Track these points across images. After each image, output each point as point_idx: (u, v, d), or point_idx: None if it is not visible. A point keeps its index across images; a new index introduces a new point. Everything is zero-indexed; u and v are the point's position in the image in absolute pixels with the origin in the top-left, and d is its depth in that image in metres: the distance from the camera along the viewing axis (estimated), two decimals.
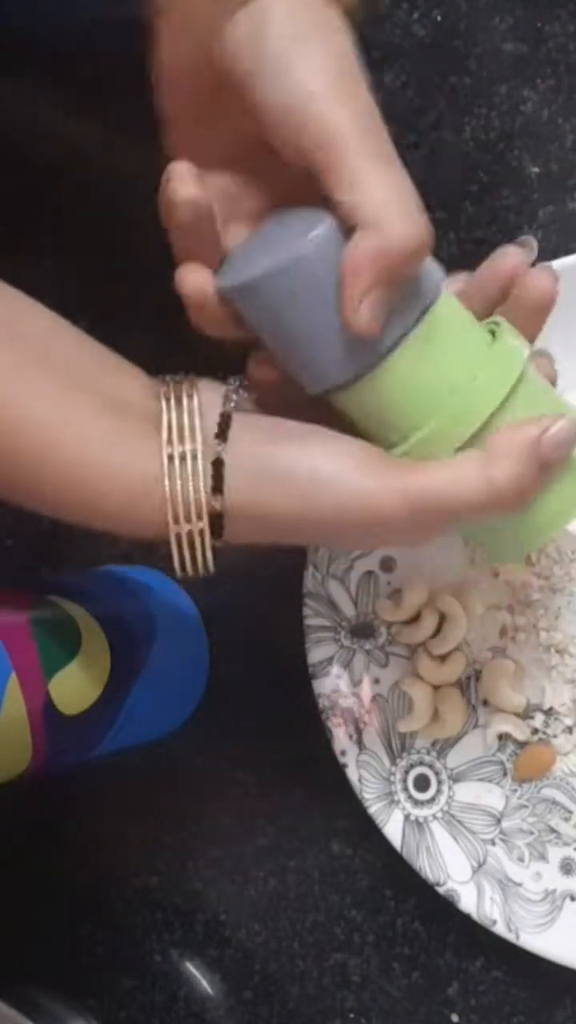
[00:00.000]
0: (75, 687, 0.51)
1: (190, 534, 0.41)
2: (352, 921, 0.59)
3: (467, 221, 0.59)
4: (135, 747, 0.58)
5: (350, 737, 0.56)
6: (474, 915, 0.54)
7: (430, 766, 0.56)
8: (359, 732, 0.56)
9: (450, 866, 0.55)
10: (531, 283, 0.44)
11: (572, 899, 0.55)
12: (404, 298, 0.41)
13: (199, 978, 0.61)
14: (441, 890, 0.55)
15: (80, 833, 0.62)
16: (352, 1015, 0.59)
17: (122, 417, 0.41)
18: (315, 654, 0.57)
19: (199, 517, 0.41)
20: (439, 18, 0.60)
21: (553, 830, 0.55)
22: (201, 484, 0.40)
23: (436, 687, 0.56)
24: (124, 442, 0.40)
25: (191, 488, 0.40)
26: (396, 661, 0.57)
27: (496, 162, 0.58)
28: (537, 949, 0.54)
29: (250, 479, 0.40)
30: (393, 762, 0.56)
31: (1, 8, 0.58)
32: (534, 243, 0.44)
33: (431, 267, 0.42)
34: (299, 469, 0.40)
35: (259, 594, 0.60)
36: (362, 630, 0.57)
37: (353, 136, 0.39)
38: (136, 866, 0.62)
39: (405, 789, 0.56)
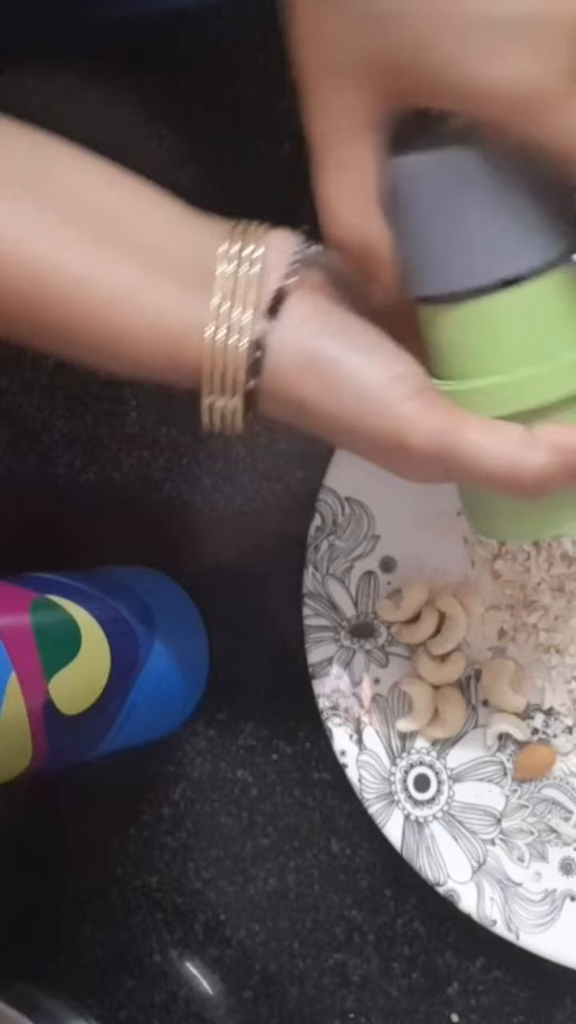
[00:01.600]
0: (75, 687, 0.51)
1: (222, 407, 0.40)
2: (352, 921, 0.59)
3: None
4: (135, 747, 0.58)
5: (350, 737, 0.56)
6: (474, 915, 0.54)
7: (430, 766, 0.56)
8: (359, 732, 0.56)
9: (450, 866, 0.55)
10: None
11: (572, 899, 0.55)
12: (531, 244, 0.39)
13: (199, 978, 0.61)
14: (441, 890, 0.55)
15: (80, 833, 0.62)
16: (352, 1015, 0.59)
17: (163, 267, 0.40)
18: (315, 654, 0.57)
19: (233, 393, 0.40)
20: None
21: (553, 830, 0.55)
22: (241, 362, 0.39)
23: (436, 687, 0.56)
24: (161, 292, 0.39)
25: (230, 364, 0.39)
26: (396, 661, 0.57)
27: None
28: (537, 949, 0.54)
29: (292, 364, 0.39)
30: (393, 762, 0.56)
31: (10, 8, 0.58)
32: None
33: (555, 230, 0.40)
34: (344, 369, 0.39)
35: (259, 594, 0.60)
36: (362, 630, 0.57)
37: None
38: (136, 866, 0.62)
39: (405, 789, 0.56)
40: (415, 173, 0.40)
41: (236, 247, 0.40)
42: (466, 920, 0.55)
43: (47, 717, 0.50)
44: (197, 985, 0.61)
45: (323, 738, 0.57)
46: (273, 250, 0.40)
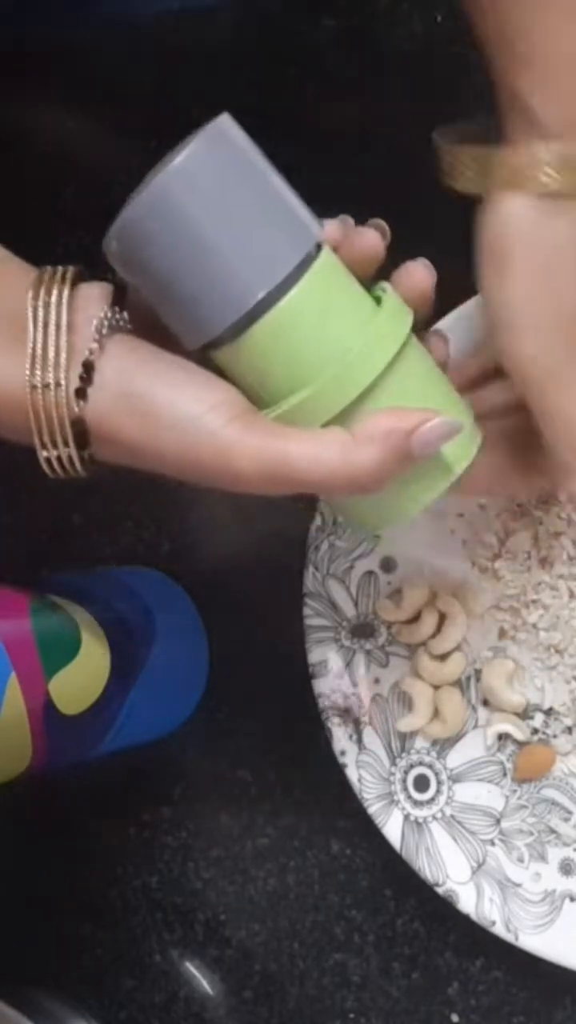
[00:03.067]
0: (75, 687, 0.51)
1: (59, 458, 0.41)
2: (352, 921, 0.59)
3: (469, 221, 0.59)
4: (135, 747, 0.58)
5: (350, 737, 0.56)
6: (473, 916, 0.54)
7: (430, 766, 0.56)
8: (359, 732, 0.56)
9: (449, 866, 0.55)
10: (407, 277, 0.43)
11: (571, 900, 0.55)
12: (277, 252, 0.39)
13: (199, 978, 0.61)
14: (440, 890, 0.55)
15: (80, 833, 0.62)
16: (352, 1015, 0.59)
17: None
18: (315, 654, 0.57)
19: (65, 444, 0.40)
20: (439, 19, 0.60)
21: (553, 831, 0.55)
22: (64, 415, 0.40)
23: (436, 687, 0.56)
24: None
25: (54, 419, 0.40)
26: (396, 661, 0.57)
27: None
28: (536, 950, 0.54)
29: (111, 406, 0.40)
30: (393, 762, 0.56)
31: (10, 9, 0.58)
32: (385, 226, 0.43)
33: (306, 220, 0.40)
34: (160, 404, 0.39)
35: (259, 594, 0.60)
36: (362, 630, 0.57)
37: None
38: (136, 866, 0.62)
39: (405, 789, 0.56)
40: (139, 230, 0.39)
41: (42, 300, 0.40)
42: (466, 920, 0.55)
43: (47, 717, 0.50)
44: (197, 985, 0.61)
45: (323, 738, 0.57)
46: (81, 299, 0.40)
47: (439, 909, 0.55)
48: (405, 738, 0.57)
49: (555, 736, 0.56)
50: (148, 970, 0.61)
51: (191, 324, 0.40)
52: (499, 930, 0.54)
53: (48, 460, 0.41)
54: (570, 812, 0.56)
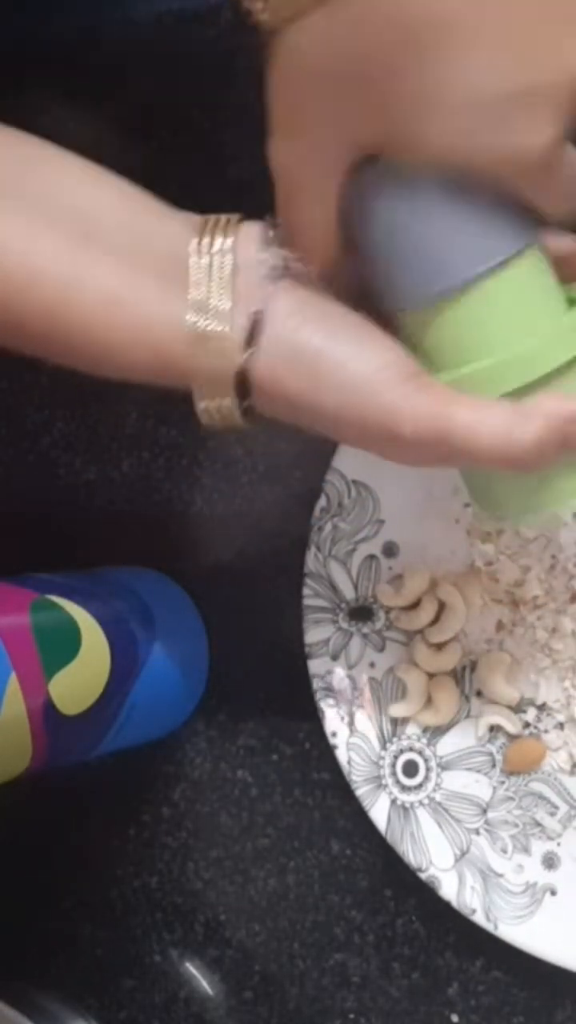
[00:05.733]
0: (75, 687, 0.51)
1: (216, 408, 0.40)
2: (352, 921, 0.59)
3: None
4: (135, 747, 0.58)
5: (342, 719, 0.56)
6: (454, 903, 0.55)
7: (420, 752, 0.57)
8: (351, 714, 0.57)
9: (433, 853, 0.55)
10: None
11: (552, 893, 0.55)
12: (493, 237, 0.40)
13: (199, 978, 0.61)
14: (423, 876, 0.55)
15: (80, 833, 0.62)
16: (352, 1015, 0.59)
17: (144, 268, 0.39)
18: (312, 634, 0.57)
19: (224, 395, 0.39)
20: None
21: (538, 824, 0.56)
22: (227, 364, 0.39)
23: (431, 675, 0.57)
24: (145, 296, 0.39)
25: (216, 367, 0.39)
26: (393, 646, 0.57)
27: None
28: (515, 940, 0.54)
29: (278, 360, 0.39)
30: (383, 746, 0.56)
31: (9, 9, 0.58)
32: None
33: (523, 216, 0.41)
34: (330, 360, 0.39)
35: (259, 594, 0.60)
36: (360, 613, 0.57)
37: None
38: (136, 866, 0.62)
39: (393, 774, 0.56)
40: (381, 189, 0.41)
41: (207, 242, 0.39)
42: (466, 921, 0.55)
43: (47, 717, 0.50)
44: (197, 985, 0.61)
45: (323, 739, 0.57)
46: (247, 243, 0.40)
47: (439, 909, 0.55)
48: (397, 723, 0.57)
49: (546, 731, 0.56)
50: (148, 970, 0.61)
51: (411, 280, 0.41)
52: (479, 919, 0.54)
53: (207, 411, 0.40)
54: (556, 807, 0.56)
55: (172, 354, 0.39)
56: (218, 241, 0.39)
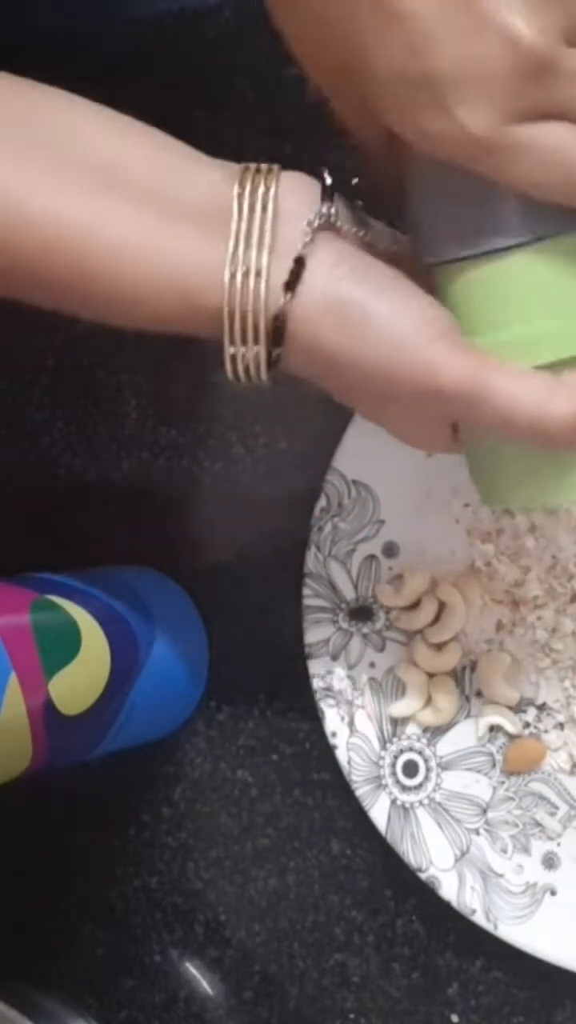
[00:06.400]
0: (75, 687, 0.51)
1: (244, 356, 0.39)
2: (352, 921, 0.59)
3: None
4: (135, 747, 0.58)
5: (342, 719, 0.56)
6: (454, 903, 0.55)
7: (419, 752, 0.57)
8: (351, 714, 0.57)
9: (433, 853, 0.55)
10: None
11: (552, 893, 0.55)
12: (547, 209, 0.40)
13: (199, 978, 0.61)
14: (423, 876, 0.55)
15: (80, 833, 0.62)
16: (352, 1015, 0.59)
17: (176, 214, 0.39)
18: (312, 634, 0.57)
19: (256, 341, 0.39)
20: None
21: (538, 824, 0.56)
22: (262, 308, 0.38)
23: (431, 675, 0.57)
24: (175, 242, 0.38)
25: (251, 310, 0.38)
26: (392, 647, 0.57)
27: None
28: (515, 941, 0.54)
29: (317, 309, 0.39)
30: (383, 746, 0.56)
31: (9, 9, 0.58)
32: None
33: None
34: (372, 313, 0.39)
35: (259, 594, 0.60)
36: (360, 613, 0.57)
37: None
38: (136, 866, 0.62)
39: (393, 774, 0.56)
40: None
41: (248, 188, 0.39)
42: (466, 921, 0.55)
43: (47, 717, 0.50)
44: (197, 985, 0.61)
45: (323, 738, 0.57)
46: (288, 192, 0.40)
47: (439, 909, 0.55)
48: (397, 723, 0.57)
49: (546, 731, 0.56)
50: (148, 970, 0.61)
51: (463, 233, 0.40)
52: (479, 919, 0.54)
53: (233, 359, 0.39)
54: (556, 807, 0.56)
55: (205, 297, 0.39)
56: (260, 189, 0.39)
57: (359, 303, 0.39)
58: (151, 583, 0.60)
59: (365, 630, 0.57)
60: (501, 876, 0.55)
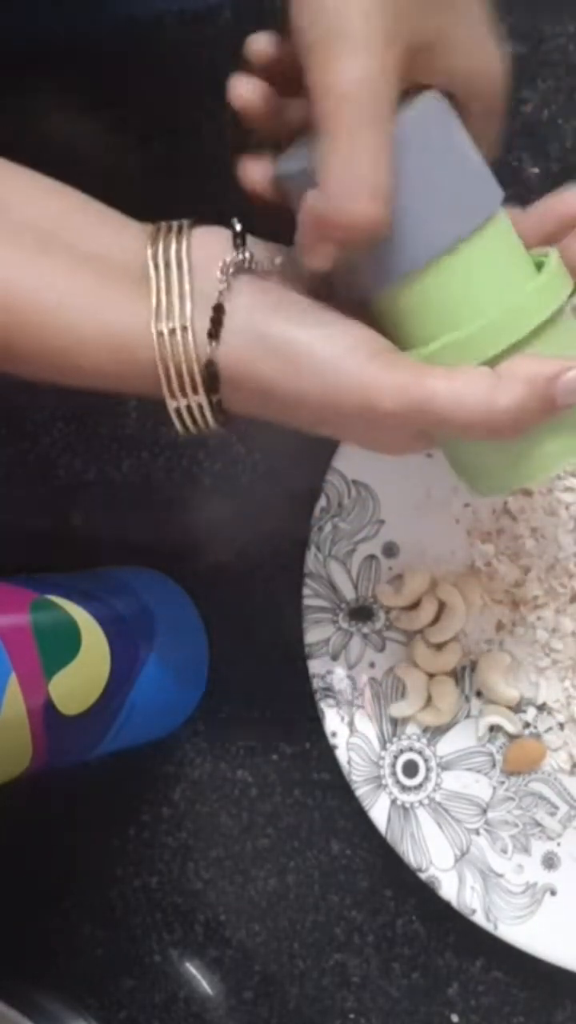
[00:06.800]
0: (75, 687, 0.51)
1: (188, 408, 0.40)
2: (352, 921, 0.59)
3: None
4: (135, 747, 0.58)
5: (342, 719, 0.56)
6: (454, 903, 0.55)
7: (419, 752, 0.57)
8: (351, 714, 0.57)
9: (433, 853, 0.55)
10: (571, 245, 0.43)
11: (552, 893, 0.55)
12: (453, 212, 0.40)
13: (199, 978, 0.61)
14: (423, 876, 0.55)
15: (80, 833, 0.62)
16: (352, 1015, 0.59)
17: (105, 274, 0.40)
18: (312, 634, 0.57)
19: (195, 391, 0.40)
20: None
21: (538, 824, 0.56)
22: (193, 356, 0.39)
23: (431, 675, 0.57)
24: (109, 301, 0.39)
25: (183, 363, 0.39)
26: (392, 647, 0.57)
27: (496, 162, 0.58)
28: (514, 940, 0.54)
29: (246, 348, 0.39)
30: (383, 746, 0.57)
31: (10, 10, 0.58)
32: None
33: (489, 184, 0.42)
34: (299, 345, 0.39)
35: (259, 594, 0.60)
36: (360, 613, 0.57)
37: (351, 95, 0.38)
38: (136, 866, 0.62)
39: (393, 774, 0.56)
40: (290, 185, 0.41)
41: (161, 247, 0.40)
42: (466, 921, 0.55)
43: (47, 717, 0.50)
44: (197, 985, 0.61)
45: (323, 738, 0.57)
46: (199, 246, 0.41)
47: (439, 909, 0.55)
48: (397, 723, 0.57)
49: (546, 731, 0.56)
50: (148, 970, 0.61)
51: (371, 265, 0.41)
52: (479, 919, 0.54)
53: (178, 411, 0.40)
54: (556, 807, 0.56)
55: (138, 356, 0.40)
56: (173, 246, 0.40)
57: (287, 338, 0.40)
58: (151, 583, 0.60)
59: (365, 630, 0.57)
60: (501, 876, 0.55)
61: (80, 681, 0.52)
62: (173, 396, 0.40)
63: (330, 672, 0.57)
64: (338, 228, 0.38)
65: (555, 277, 0.42)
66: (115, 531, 0.62)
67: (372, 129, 0.38)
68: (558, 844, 0.55)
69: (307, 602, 0.57)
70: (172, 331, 0.39)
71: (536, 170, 0.58)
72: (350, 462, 0.57)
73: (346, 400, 0.40)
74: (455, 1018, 0.58)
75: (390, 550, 0.57)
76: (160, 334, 0.39)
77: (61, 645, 0.51)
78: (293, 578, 0.57)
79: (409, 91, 0.40)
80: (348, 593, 0.57)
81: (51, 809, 0.62)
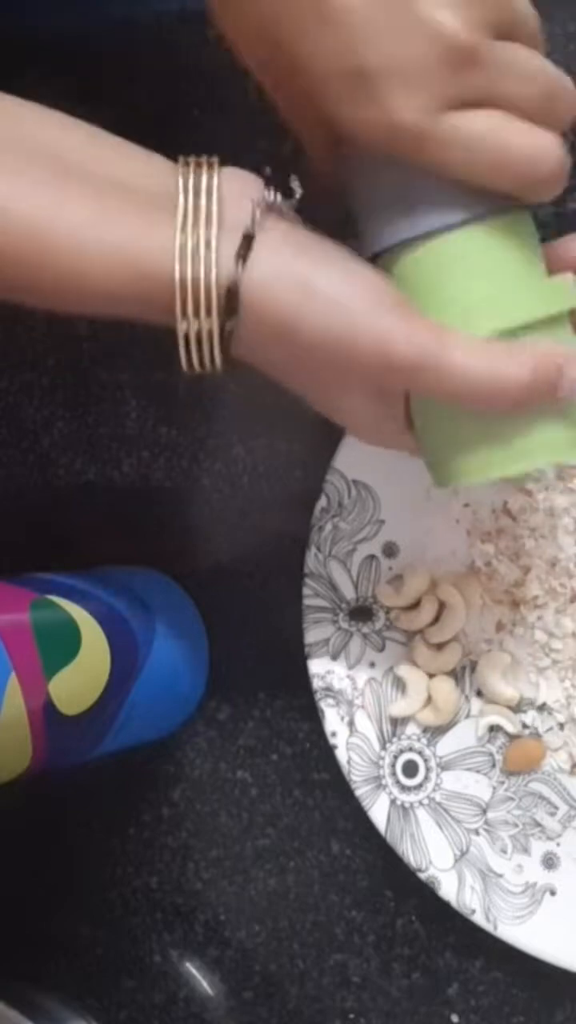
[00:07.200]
0: (75, 687, 0.51)
1: (198, 333, 0.40)
2: (352, 921, 0.59)
3: None
4: (135, 747, 0.58)
5: (342, 719, 0.56)
6: (453, 903, 0.55)
7: (419, 752, 0.57)
8: (351, 714, 0.57)
9: (433, 853, 0.55)
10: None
11: (552, 893, 0.55)
12: (476, 193, 0.41)
13: (199, 978, 0.61)
14: (423, 876, 0.55)
15: (80, 833, 0.62)
16: (352, 1015, 0.59)
17: (124, 198, 0.39)
18: (312, 634, 0.57)
19: (208, 313, 0.39)
20: None
21: (538, 824, 0.56)
22: (213, 277, 0.39)
23: (431, 675, 0.57)
24: (125, 221, 0.39)
25: (203, 280, 0.39)
26: (392, 646, 0.57)
27: None
28: (514, 940, 0.54)
29: (270, 280, 0.39)
30: (383, 746, 0.57)
31: (10, 10, 0.58)
32: None
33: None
34: (325, 283, 0.39)
35: (259, 594, 0.60)
36: (360, 613, 0.57)
37: None
38: (136, 866, 0.62)
39: (393, 774, 0.56)
40: None
41: (192, 176, 0.40)
42: (466, 921, 0.55)
43: (47, 717, 0.50)
44: (197, 985, 0.61)
45: (323, 738, 0.57)
46: (230, 180, 0.41)
47: (439, 909, 0.55)
48: (396, 723, 0.57)
49: (547, 731, 0.56)
50: (148, 970, 0.61)
51: (393, 221, 0.42)
52: (478, 919, 0.54)
53: (187, 338, 0.40)
54: (556, 807, 0.56)
55: (158, 270, 0.39)
56: (204, 175, 0.40)
57: (311, 275, 0.40)
58: (151, 583, 0.60)
59: (365, 630, 0.57)
60: (501, 876, 0.55)
61: (80, 681, 0.52)
62: (186, 316, 0.39)
63: (330, 672, 0.57)
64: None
65: (568, 284, 0.43)
66: (115, 531, 0.62)
67: None
68: (558, 844, 0.55)
69: (307, 602, 0.57)
70: (196, 246, 0.39)
71: None
72: (350, 462, 0.57)
73: (362, 343, 0.40)
74: (455, 1018, 0.58)
75: (390, 550, 0.57)
76: (183, 248, 0.39)
77: (61, 645, 0.51)
78: (293, 578, 0.57)
79: None
80: (348, 593, 0.57)
81: (51, 809, 0.62)
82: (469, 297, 0.41)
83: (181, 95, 0.61)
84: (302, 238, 0.41)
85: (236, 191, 0.40)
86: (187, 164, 0.41)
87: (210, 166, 0.40)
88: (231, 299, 0.39)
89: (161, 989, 0.61)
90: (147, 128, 0.61)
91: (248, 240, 0.39)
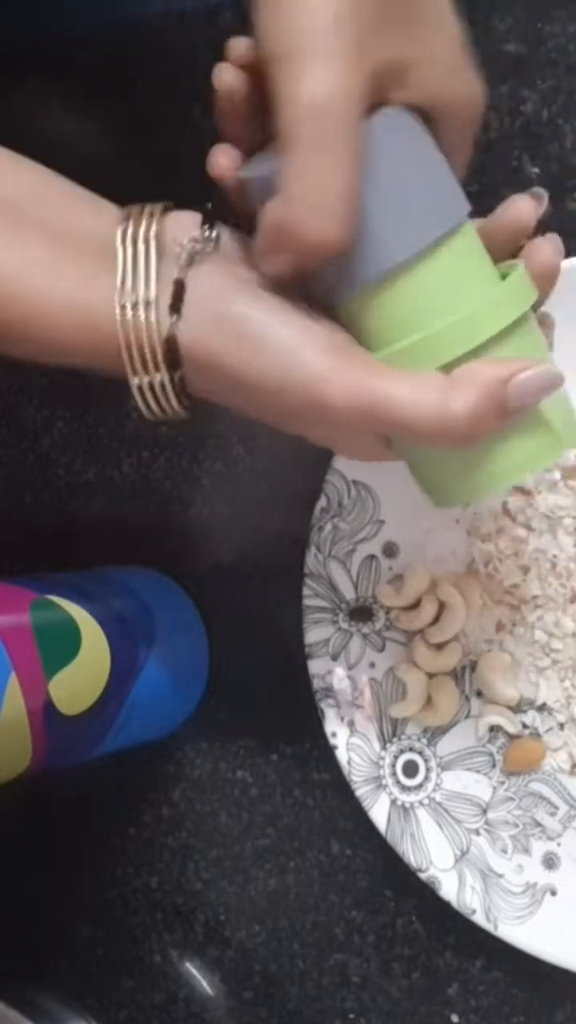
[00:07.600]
0: (75, 687, 0.51)
1: (151, 384, 0.40)
2: (352, 921, 0.59)
3: None
4: (135, 747, 0.58)
5: (342, 719, 0.56)
6: (454, 903, 0.55)
7: (420, 753, 0.57)
8: (351, 714, 0.57)
9: (433, 853, 0.55)
10: (534, 253, 0.43)
11: (552, 893, 0.55)
12: (421, 213, 0.40)
13: (199, 978, 0.61)
14: (423, 876, 0.55)
15: (80, 833, 0.62)
16: (352, 1015, 0.59)
17: (77, 247, 0.40)
18: (312, 635, 0.57)
19: (156, 367, 0.39)
20: None
21: (538, 824, 0.56)
22: (155, 334, 0.39)
23: (431, 675, 0.57)
24: (76, 271, 0.39)
25: (145, 338, 0.39)
26: (392, 647, 0.57)
27: (496, 162, 0.58)
28: (514, 940, 0.54)
29: (207, 326, 0.39)
30: (383, 747, 0.57)
31: (10, 10, 0.58)
32: (544, 194, 0.44)
33: (454, 195, 0.41)
34: (257, 326, 0.39)
35: (259, 594, 0.60)
36: (360, 613, 0.57)
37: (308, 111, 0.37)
38: (136, 866, 0.62)
39: (393, 774, 0.56)
40: (253, 188, 0.41)
41: (131, 226, 0.40)
42: (466, 921, 0.55)
43: (47, 717, 0.50)
44: (197, 985, 0.61)
45: (323, 738, 0.57)
46: (171, 228, 0.40)
47: (439, 909, 0.55)
48: (397, 724, 0.57)
49: (547, 731, 0.56)
50: (148, 970, 0.61)
51: (341, 271, 0.41)
52: (479, 919, 0.54)
53: (140, 389, 0.40)
54: (556, 807, 0.56)
55: (103, 331, 0.39)
56: (143, 225, 0.40)
57: (244, 317, 0.39)
58: (151, 583, 0.60)
59: (365, 630, 0.57)
60: (501, 876, 0.55)
61: (80, 681, 0.52)
62: (135, 372, 0.40)
63: (330, 672, 0.57)
64: (297, 245, 0.38)
65: (516, 288, 0.42)
66: (115, 531, 0.62)
67: (336, 148, 0.38)
68: (558, 844, 0.55)
69: (307, 602, 0.57)
70: (135, 305, 0.39)
71: (536, 170, 0.58)
72: (350, 462, 0.57)
73: (295, 389, 0.39)
74: (455, 1018, 0.58)
75: (390, 550, 0.57)
76: (123, 308, 0.39)
77: (61, 645, 0.51)
78: (293, 578, 0.57)
79: (375, 107, 0.40)
80: (348, 593, 0.57)
81: (51, 809, 0.62)
82: (432, 326, 0.41)
83: (181, 95, 0.61)
84: (238, 280, 0.40)
85: (174, 239, 0.40)
86: (131, 213, 0.41)
87: (151, 215, 0.40)
88: (171, 352, 0.39)
89: (161, 989, 0.61)
90: (147, 128, 0.61)
91: (179, 288, 0.39)
